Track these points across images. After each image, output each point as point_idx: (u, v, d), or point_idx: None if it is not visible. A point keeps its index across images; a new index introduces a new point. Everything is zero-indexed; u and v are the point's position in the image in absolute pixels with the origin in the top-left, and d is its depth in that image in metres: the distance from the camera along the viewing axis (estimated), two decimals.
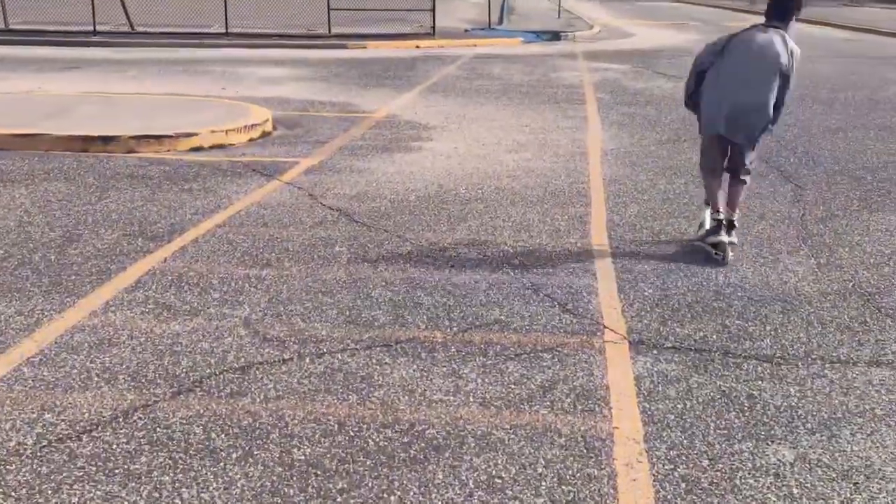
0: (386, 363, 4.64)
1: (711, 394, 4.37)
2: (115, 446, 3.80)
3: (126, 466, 3.66)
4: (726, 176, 6.51)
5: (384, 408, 4.17)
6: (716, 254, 6.28)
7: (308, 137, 10.52)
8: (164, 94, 13.27)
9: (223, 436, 3.90)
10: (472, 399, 4.27)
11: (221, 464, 3.69)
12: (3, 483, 3.52)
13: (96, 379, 4.39)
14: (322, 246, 6.49)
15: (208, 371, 4.51)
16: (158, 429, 3.95)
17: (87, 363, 4.55)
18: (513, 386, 4.41)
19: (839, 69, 18.44)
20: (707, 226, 6.45)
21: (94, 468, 3.64)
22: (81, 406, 4.13)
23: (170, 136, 9.55)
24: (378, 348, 4.82)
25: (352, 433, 3.94)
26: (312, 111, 12.41)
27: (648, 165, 9.31)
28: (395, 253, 6.37)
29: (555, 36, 26.43)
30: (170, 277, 5.79)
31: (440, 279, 5.87)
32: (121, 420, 4.01)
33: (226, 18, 22.19)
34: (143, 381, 4.39)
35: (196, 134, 9.73)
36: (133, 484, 3.54)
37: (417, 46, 22.63)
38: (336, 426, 4.00)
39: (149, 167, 8.78)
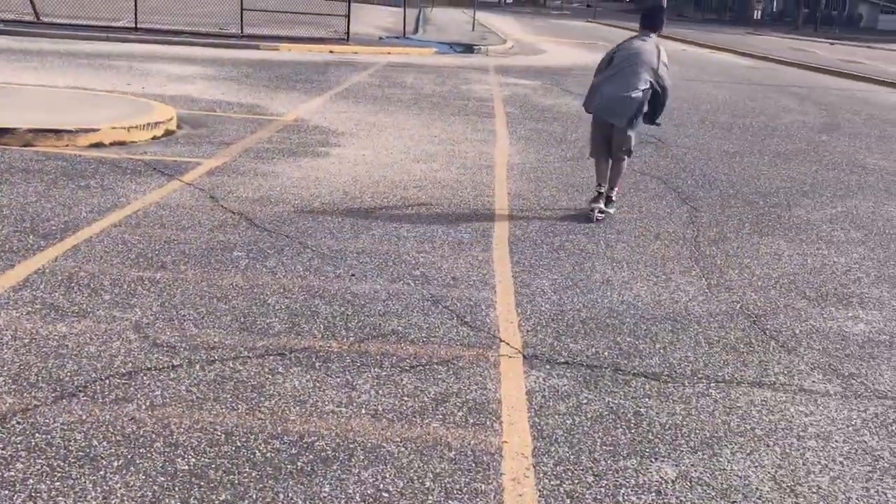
0: (279, 372, 4.58)
1: (600, 410, 4.45)
2: None
3: (0, 473, 3.53)
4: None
5: (274, 418, 4.12)
6: (590, 214, 7.90)
7: (213, 138, 10.35)
8: (65, 87, 12.89)
9: (105, 443, 3.80)
10: (364, 411, 4.26)
11: (101, 472, 3.59)
12: None
13: None
14: (220, 250, 6.39)
15: (94, 375, 4.39)
16: (37, 434, 3.83)
17: None
18: (406, 398, 4.41)
19: (740, 95, 19.05)
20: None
21: None
22: None
23: (69, 131, 9.28)
24: (272, 357, 4.76)
25: (239, 443, 3.89)
26: (219, 111, 12.22)
27: (552, 182, 9.44)
28: (295, 259, 6.31)
29: (468, 48, 26.66)
30: (59, 277, 5.62)
31: (339, 288, 5.84)
32: None
33: (135, 13, 21.71)
34: (25, 384, 4.24)
35: (96, 130, 9.48)
36: (6, 491, 3.42)
37: (331, 51, 22.53)
38: (223, 436, 3.93)
39: (45, 162, 8.51)
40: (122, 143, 9.56)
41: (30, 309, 5.11)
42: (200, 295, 5.53)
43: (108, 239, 6.43)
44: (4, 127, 9.13)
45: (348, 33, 24.33)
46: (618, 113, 7.65)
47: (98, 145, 9.36)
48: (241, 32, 22.88)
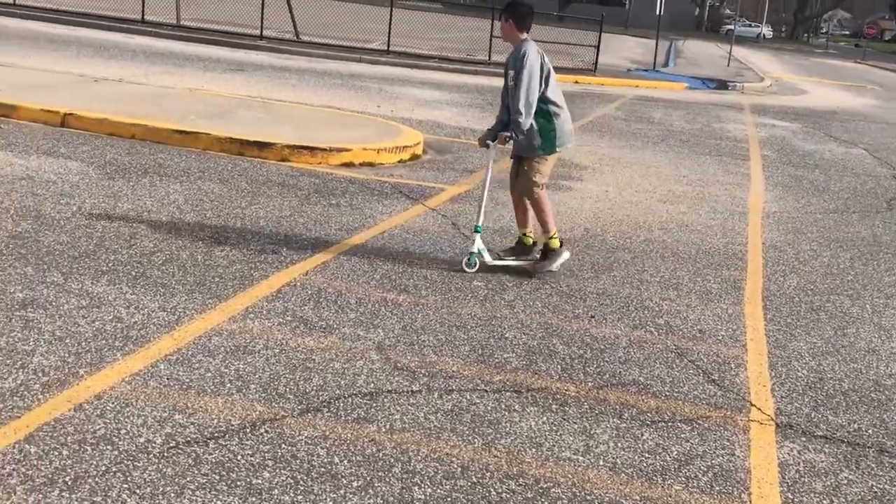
0: (515, 410, 4.48)
1: (862, 494, 4.04)
2: (239, 457, 3.78)
3: (248, 480, 3.62)
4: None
5: (510, 457, 4.02)
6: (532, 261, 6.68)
7: (457, 165, 10.50)
8: (320, 105, 13.54)
9: (346, 462, 3.83)
10: (602, 462, 4.07)
11: (341, 490, 3.62)
12: (129, 479, 3.54)
13: (229, 385, 4.40)
14: (460, 278, 6.40)
15: (337, 392, 4.46)
16: (284, 445, 3.91)
17: (221, 368, 4.57)
18: (647, 454, 4.18)
19: None
20: (487, 255, 6.62)
21: (217, 477, 3.62)
22: (212, 411, 4.13)
23: (323, 149, 9.69)
24: (508, 393, 4.67)
25: (474, 479, 3.81)
26: (464, 138, 12.41)
27: (812, 234, 8.86)
28: (534, 295, 6.22)
29: (722, 85, 25.79)
30: (309, 291, 5.81)
31: (578, 329, 5.68)
32: (248, 431, 4.00)
33: (388, 36, 22.59)
34: (274, 394, 4.37)
35: (348, 150, 9.85)
36: (253, 499, 3.50)
37: (577, 82, 22.44)
38: (459, 469, 3.87)
39: (299, 177, 8.92)
40: (370, 164, 9.88)
41: (281, 320, 5.30)
42: (440, 322, 5.54)
43: (355, 258, 6.60)
44: (265, 141, 9.66)
45: (596, 64, 24.17)
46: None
47: (348, 165, 9.71)
48: (489, 59, 23.28)
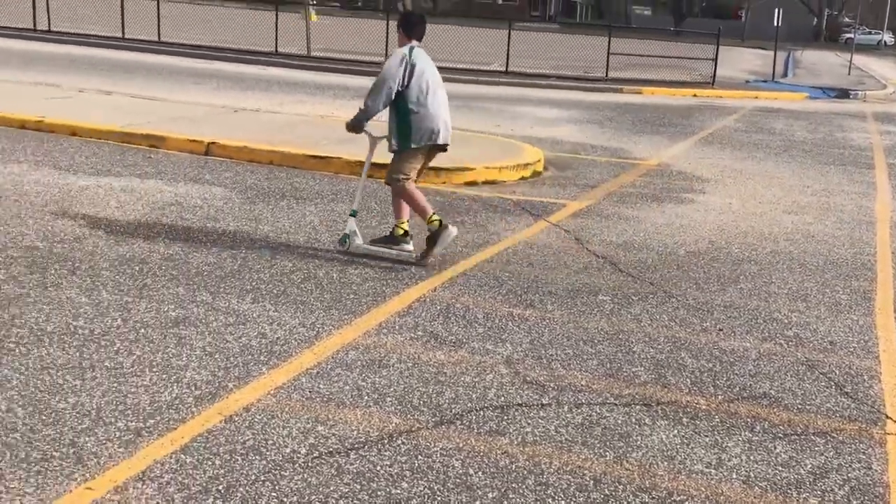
0: (646, 423, 4.53)
1: None
2: (379, 467, 3.95)
3: (388, 490, 3.79)
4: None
5: (642, 470, 4.07)
6: (401, 254, 6.96)
7: (578, 180, 10.56)
8: None
9: (480, 473, 3.96)
10: (735, 476, 4.08)
11: (477, 502, 3.74)
12: (277, 488, 3.75)
13: (366, 398, 4.60)
14: (585, 292, 6.47)
15: (469, 405, 4.60)
16: (420, 456, 4.07)
17: (358, 381, 4.78)
18: (780, 468, 4.17)
19: None
20: (360, 238, 7.02)
21: (358, 486, 3.80)
22: (351, 423, 4.33)
23: (446, 169, 9.91)
24: (638, 406, 4.72)
25: (607, 492, 3.88)
26: (583, 154, 12.47)
27: None
28: (660, 308, 6.24)
29: (843, 93, 25.06)
30: (438, 307, 5.98)
31: (706, 342, 5.68)
32: (386, 442, 4.17)
33: (507, 57, 22.82)
34: (409, 406, 4.54)
35: (471, 169, 10.05)
36: None
37: (695, 95, 22.20)
38: (592, 482, 3.95)
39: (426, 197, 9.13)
40: (492, 183, 10.05)
41: (412, 335, 5.48)
42: (567, 336, 5.63)
43: (480, 273, 6.75)
44: None
45: (714, 77, 23.84)
46: (449, 132, 7.05)
47: (471, 183, 9.91)
48: (606, 76, 23.23)
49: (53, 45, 24.09)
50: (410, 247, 6.99)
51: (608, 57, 23.57)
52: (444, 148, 7.03)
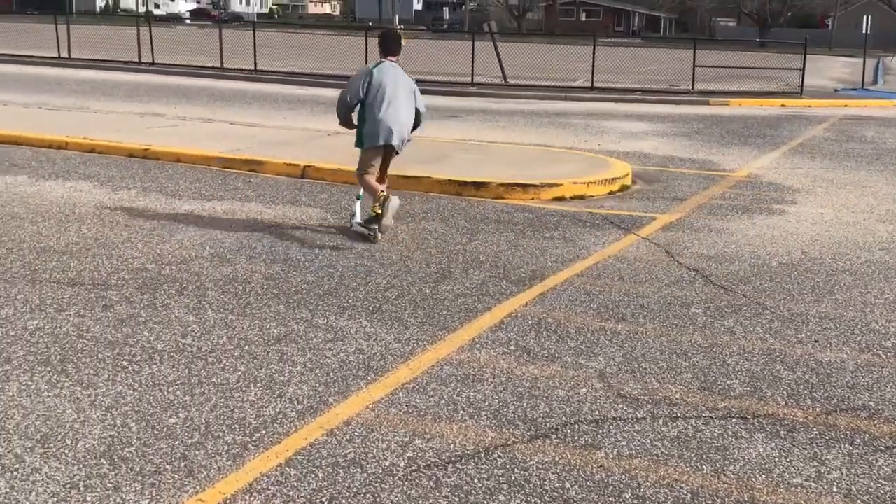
0: (742, 437, 4.52)
1: None
2: (476, 481, 4.04)
3: (485, 503, 3.87)
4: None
5: (740, 484, 4.07)
6: (369, 234, 8.03)
7: (666, 193, 10.52)
8: (530, 144, 13.90)
9: (577, 487, 4.01)
10: (835, 489, 4.05)
11: None
12: (378, 500, 3.86)
13: (461, 412, 4.70)
14: (677, 305, 6.47)
15: (564, 419, 4.66)
16: (516, 470, 4.15)
17: (453, 396, 4.89)
18: (883, 482, 4.12)
19: None
20: (359, 217, 8.27)
21: (456, 499, 3.89)
22: (447, 436, 4.43)
23: (535, 186, 9.99)
24: (734, 419, 4.71)
25: None
26: (671, 167, 12.39)
27: None
28: (754, 320, 6.19)
29: None
30: (530, 322, 6.06)
31: (802, 353, 5.62)
32: (482, 455, 4.26)
33: (592, 73, 22.80)
34: (504, 420, 4.63)
35: (559, 184, 10.10)
36: None
37: (783, 105, 21.83)
38: (689, 495, 3.96)
39: (514, 213, 9.25)
40: (581, 197, 10.09)
41: (505, 350, 5.57)
42: (660, 349, 5.64)
43: (571, 288, 6.80)
44: (480, 181, 10.08)
45: (802, 86, 23.39)
46: (402, 136, 8.07)
47: (560, 199, 9.96)
48: (692, 88, 23.00)
49: (156, 76, 25.04)
50: (375, 226, 7.96)
51: (694, 69, 23.36)
52: (393, 149, 8.11)
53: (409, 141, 8.26)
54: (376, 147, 8.04)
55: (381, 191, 7.93)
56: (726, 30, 76.31)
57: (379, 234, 7.96)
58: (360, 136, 8.09)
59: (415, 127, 8.34)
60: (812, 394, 5.04)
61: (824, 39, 59.39)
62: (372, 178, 8.12)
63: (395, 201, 7.84)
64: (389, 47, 8.21)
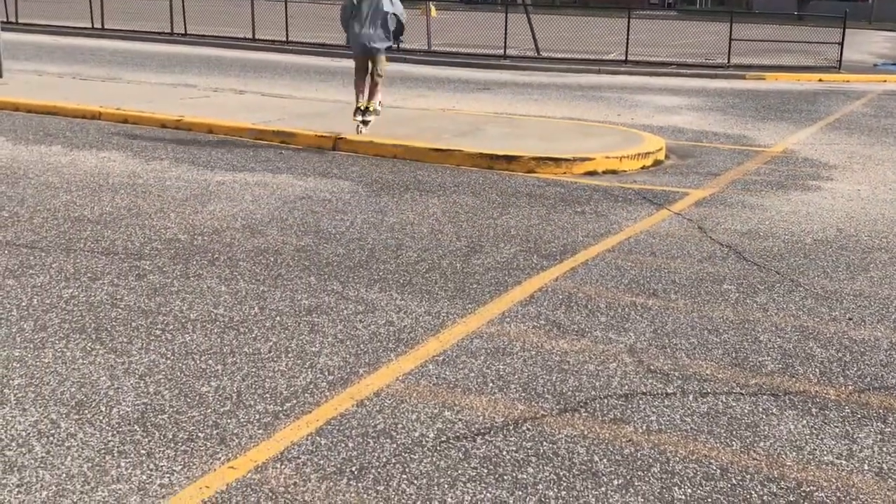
0: (773, 413, 4.50)
1: None
2: (504, 453, 4.06)
3: (514, 475, 3.89)
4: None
5: (769, 460, 4.05)
6: (359, 127, 10.90)
7: (700, 169, 10.42)
8: (562, 118, 13.81)
9: (605, 460, 4.02)
10: (866, 467, 4.02)
11: (603, 488, 3.80)
12: (407, 470, 3.89)
13: (491, 385, 4.71)
14: (710, 281, 6.42)
15: (593, 393, 4.65)
16: (545, 443, 4.16)
17: (483, 368, 4.90)
18: None
19: None
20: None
21: (485, 470, 3.91)
22: (476, 409, 4.45)
23: (567, 160, 9.93)
24: (765, 396, 4.68)
25: (734, 481, 3.88)
26: (706, 142, 12.27)
27: None
28: (787, 297, 6.14)
29: None
30: (560, 296, 6.05)
31: (835, 331, 5.57)
32: (511, 428, 4.27)
33: (626, 46, 22.57)
34: (533, 393, 4.63)
35: (591, 159, 10.04)
36: (519, 492, 3.76)
37: (820, 80, 21.48)
38: (718, 471, 3.95)
39: (545, 187, 9.21)
40: (613, 172, 10.02)
41: (535, 324, 5.57)
42: (691, 325, 5.61)
43: (602, 263, 6.78)
44: (512, 155, 10.04)
45: (840, 61, 23.01)
46: (373, 48, 10.62)
47: (592, 173, 9.90)
48: (728, 62, 22.71)
49: (188, 46, 25.10)
50: (358, 118, 10.89)
51: (730, 43, 23.02)
52: (370, 55, 10.70)
53: (385, 46, 10.74)
54: (356, 56, 10.85)
55: (361, 102, 10.89)
56: (764, 2, 75.08)
57: (362, 128, 10.89)
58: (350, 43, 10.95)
59: (398, 33, 10.84)
60: (845, 371, 5.00)
61: (864, 13, 58.31)
62: (358, 81, 10.93)
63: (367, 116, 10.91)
64: None
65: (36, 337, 5.11)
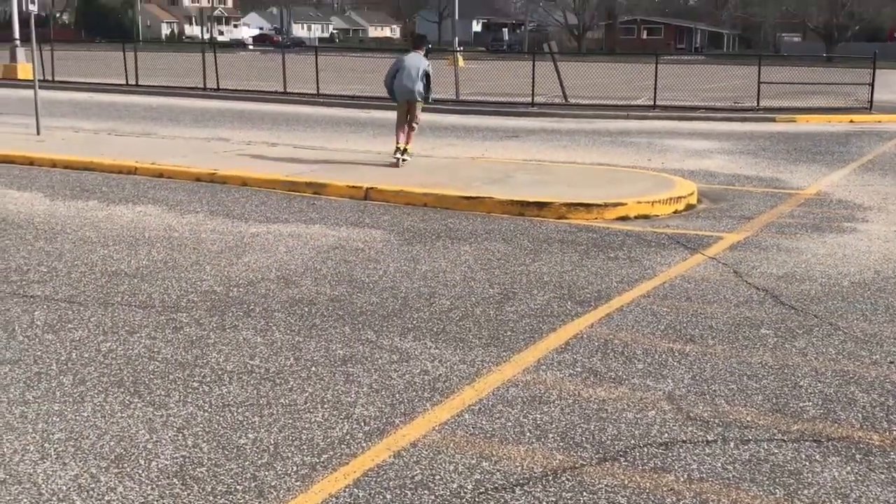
0: (816, 460, 4.42)
1: None
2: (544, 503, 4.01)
3: None
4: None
5: None
6: (396, 161, 12.79)
7: (733, 212, 10.37)
8: (592, 163, 13.84)
9: None
10: None
11: None
12: None
13: (528, 434, 4.67)
14: (747, 326, 6.36)
15: (633, 442, 4.60)
16: (585, 493, 4.10)
17: (520, 417, 4.86)
18: None
19: None
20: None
21: None
22: (514, 459, 4.40)
23: (598, 205, 9.94)
24: (807, 442, 4.60)
25: None
26: (738, 186, 12.23)
27: None
28: (826, 341, 6.06)
29: None
30: (596, 343, 6.01)
31: (877, 375, 5.48)
32: (550, 478, 4.22)
33: (654, 91, 22.66)
34: (571, 442, 4.59)
35: (623, 204, 10.03)
36: None
37: (851, 121, 21.42)
38: None
39: (577, 233, 9.20)
40: (645, 217, 10.00)
41: (571, 371, 5.53)
42: (730, 371, 5.55)
43: (637, 309, 6.73)
44: (543, 201, 10.06)
45: (871, 101, 22.94)
46: (412, 97, 12.66)
47: (624, 218, 9.89)
48: (758, 105, 22.70)
49: (221, 101, 25.55)
50: (397, 156, 12.88)
51: (759, 86, 23.07)
52: (409, 104, 12.78)
53: (422, 97, 12.74)
54: (399, 105, 12.84)
55: (399, 144, 12.85)
56: (792, 45, 75.18)
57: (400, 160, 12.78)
58: (393, 95, 12.94)
59: (428, 88, 12.79)
60: (888, 416, 4.91)
61: (894, 53, 58.29)
62: (399, 126, 12.90)
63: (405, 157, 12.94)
64: (416, 43, 13.31)
65: (75, 391, 5.15)
